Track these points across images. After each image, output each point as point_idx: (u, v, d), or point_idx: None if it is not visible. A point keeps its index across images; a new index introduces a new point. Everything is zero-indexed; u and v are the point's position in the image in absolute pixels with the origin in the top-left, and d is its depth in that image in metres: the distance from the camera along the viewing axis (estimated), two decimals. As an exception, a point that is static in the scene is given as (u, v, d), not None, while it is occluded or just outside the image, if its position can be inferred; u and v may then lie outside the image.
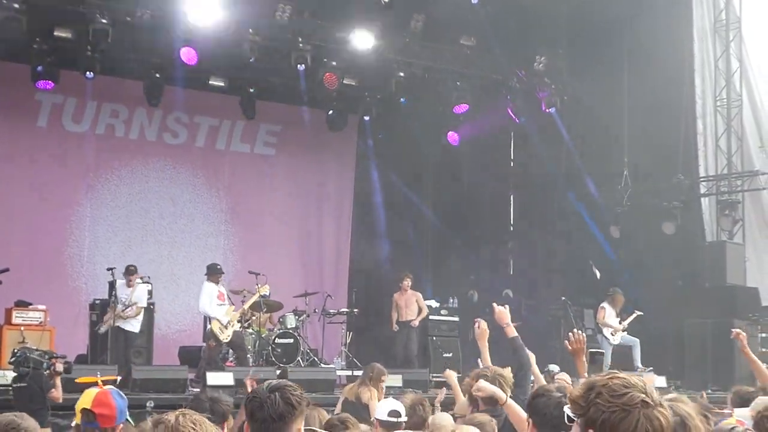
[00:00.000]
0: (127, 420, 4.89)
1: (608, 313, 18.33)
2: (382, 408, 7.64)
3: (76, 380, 5.10)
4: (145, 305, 16.69)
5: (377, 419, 7.53)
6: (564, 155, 22.02)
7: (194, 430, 2.87)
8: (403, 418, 7.40)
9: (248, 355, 17.13)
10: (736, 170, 20.08)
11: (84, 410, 4.68)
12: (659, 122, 19.68)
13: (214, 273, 16.89)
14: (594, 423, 3.12)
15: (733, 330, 8.55)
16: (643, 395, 3.09)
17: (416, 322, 19.07)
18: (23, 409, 7.61)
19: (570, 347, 6.94)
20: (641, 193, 20.45)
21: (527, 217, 23.53)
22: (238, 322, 16.74)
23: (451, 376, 9.23)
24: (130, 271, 16.36)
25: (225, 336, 16.27)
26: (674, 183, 19.92)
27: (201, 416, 2.93)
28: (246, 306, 17.02)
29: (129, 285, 16.26)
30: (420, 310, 19.17)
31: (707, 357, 18.51)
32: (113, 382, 5.07)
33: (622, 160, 20.48)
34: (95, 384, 4.92)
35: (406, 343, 18.98)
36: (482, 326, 7.85)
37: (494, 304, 7.73)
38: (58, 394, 11.50)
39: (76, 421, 4.76)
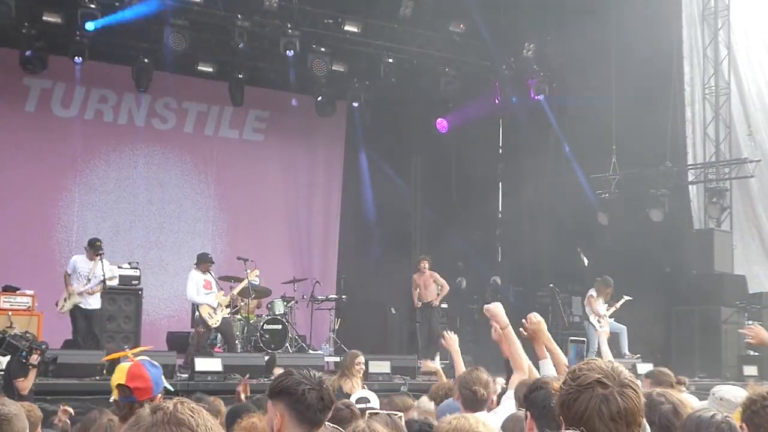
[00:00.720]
0: (165, 389, 4.93)
1: (596, 301, 18.37)
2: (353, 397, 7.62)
3: (103, 359, 5.13)
4: (106, 281, 15.77)
5: None
6: (552, 142, 22.04)
7: (192, 417, 2.87)
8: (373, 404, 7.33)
9: (237, 341, 17.13)
10: (724, 158, 20.12)
11: (120, 386, 4.74)
12: (647, 110, 19.70)
13: (203, 262, 16.62)
14: (560, 407, 3.15)
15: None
16: (600, 376, 3.09)
17: (436, 302, 18.90)
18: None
19: (525, 333, 6.98)
20: (629, 180, 20.48)
21: (516, 204, 23.54)
22: (227, 307, 16.69)
23: (454, 342, 9.14)
24: (96, 246, 15.68)
25: (214, 321, 16.21)
26: (662, 170, 19.95)
27: (198, 404, 2.94)
28: (235, 291, 16.97)
29: (91, 258, 15.62)
30: (441, 288, 19.00)
31: (695, 344, 18.60)
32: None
33: (611, 147, 20.49)
34: (126, 358, 4.96)
35: (429, 324, 18.83)
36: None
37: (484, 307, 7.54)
38: (25, 384, 11.22)
39: (114, 397, 4.81)
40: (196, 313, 16.34)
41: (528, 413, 4.91)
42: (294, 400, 4.16)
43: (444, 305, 20.05)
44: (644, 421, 3.18)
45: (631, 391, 3.09)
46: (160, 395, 4.80)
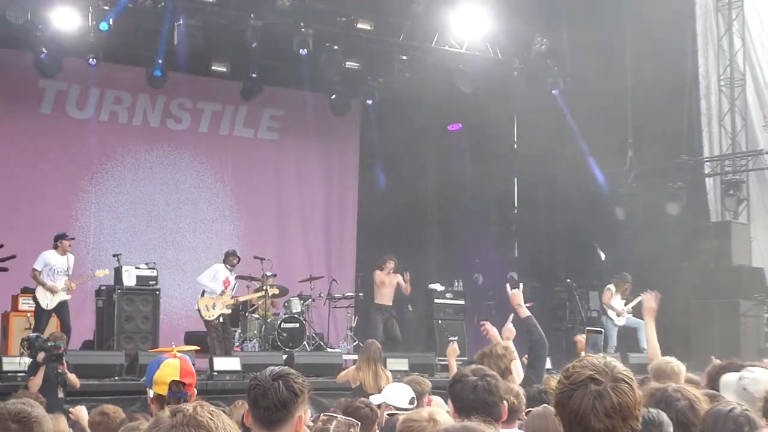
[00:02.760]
0: None
1: (613, 296, 18.37)
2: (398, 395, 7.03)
3: (150, 350, 5.21)
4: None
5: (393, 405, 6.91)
6: (567, 137, 21.98)
7: (212, 420, 2.90)
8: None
9: (249, 341, 17.26)
10: (740, 149, 20.03)
11: (173, 381, 4.77)
12: (663, 102, 19.64)
13: (230, 256, 17.12)
14: (555, 406, 3.15)
15: None
16: (593, 372, 3.09)
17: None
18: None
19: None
20: (646, 173, 20.42)
21: (532, 200, 23.51)
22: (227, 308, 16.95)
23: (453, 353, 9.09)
24: (67, 238, 15.96)
25: (208, 314, 16.51)
26: (678, 163, 19.90)
27: (216, 407, 2.96)
28: (243, 298, 17.27)
29: (62, 253, 15.80)
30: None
31: (714, 338, 18.50)
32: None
33: (626, 141, 20.44)
34: (169, 353, 4.98)
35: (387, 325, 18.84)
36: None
37: (507, 286, 7.63)
38: (35, 381, 11.51)
39: (157, 392, 4.81)
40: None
41: (452, 406, 4.93)
42: (248, 401, 4.15)
43: (460, 301, 20.06)
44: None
45: (625, 386, 3.08)
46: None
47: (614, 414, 3.05)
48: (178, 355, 4.92)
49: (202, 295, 16.86)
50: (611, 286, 18.43)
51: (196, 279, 17.27)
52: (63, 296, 15.65)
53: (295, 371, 4.20)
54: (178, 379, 4.76)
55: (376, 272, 18.97)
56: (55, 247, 15.79)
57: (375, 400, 6.96)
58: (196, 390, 4.90)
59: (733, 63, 20.26)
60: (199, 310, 16.62)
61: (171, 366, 4.82)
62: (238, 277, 17.69)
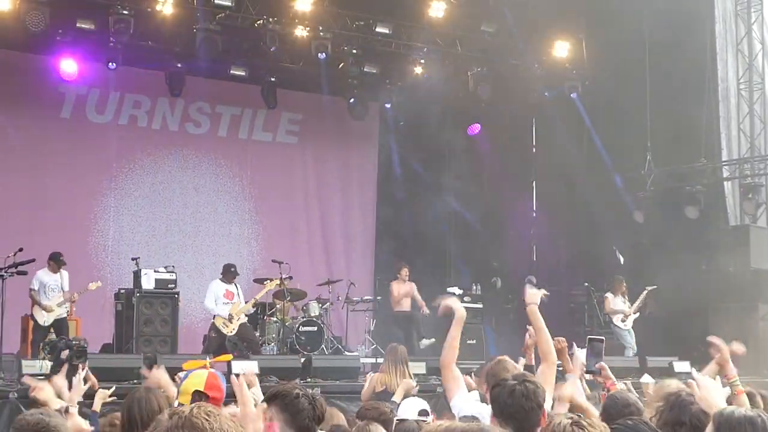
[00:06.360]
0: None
1: (612, 301, 18.44)
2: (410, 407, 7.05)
3: (183, 364, 5.19)
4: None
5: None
6: (586, 140, 21.94)
7: (207, 421, 2.93)
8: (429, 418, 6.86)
9: (273, 344, 17.29)
10: (759, 153, 19.98)
11: (196, 392, 4.85)
12: (681, 106, 19.60)
13: (226, 273, 17.32)
14: None
15: None
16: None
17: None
18: None
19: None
20: (664, 177, 20.39)
21: (550, 203, 23.48)
22: (247, 315, 17.07)
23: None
24: (59, 260, 16.30)
25: (229, 329, 16.83)
26: (697, 167, 19.86)
27: (216, 408, 2.99)
28: (258, 297, 17.36)
29: (55, 271, 16.18)
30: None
31: (732, 341, 18.39)
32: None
33: (645, 144, 20.41)
34: (203, 367, 5.03)
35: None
36: None
37: (527, 286, 7.50)
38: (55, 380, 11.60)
39: (180, 401, 4.87)
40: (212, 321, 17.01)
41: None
42: (286, 402, 4.28)
43: (478, 305, 20.08)
44: None
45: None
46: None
47: None
48: (210, 368, 4.97)
49: (215, 316, 17.05)
50: (608, 294, 18.55)
51: (204, 306, 17.42)
52: (60, 313, 16.12)
53: None
54: (201, 389, 4.80)
55: (392, 284, 19.07)
56: (49, 266, 16.18)
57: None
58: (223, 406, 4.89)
59: (752, 67, 20.21)
60: (219, 329, 16.83)
61: (197, 377, 4.89)
62: (255, 280, 17.83)
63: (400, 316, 19.06)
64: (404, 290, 19.08)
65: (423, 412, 6.89)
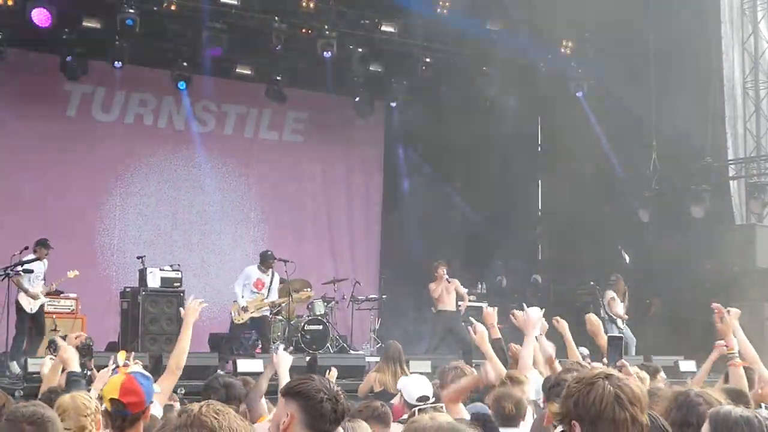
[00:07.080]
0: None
1: (615, 302, 18.45)
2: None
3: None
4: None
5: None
6: (591, 139, 21.91)
7: (216, 419, 2.94)
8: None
9: (272, 344, 17.32)
10: (765, 152, 19.93)
11: (112, 399, 4.65)
12: (687, 105, 19.55)
13: (263, 260, 17.43)
14: (574, 407, 3.29)
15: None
16: (601, 371, 3.40)
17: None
18: None
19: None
20: (670, 176, 20.36)
21: (555, 202, 23.45)
22: (258, 309, 17.15)
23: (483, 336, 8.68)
24: (48, 246, 16.24)
25: (239, 318, 17.03)
26: (703, 166, 19.81)
27: (225, 406, 3.00)
28: (269, 301, 17.37)
29: (40, 258, 16.07)
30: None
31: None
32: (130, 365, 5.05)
33: (650, 143, 20.38)
34: (125, 365, 4.93)
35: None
36: None
37: (484, 307, 7.73)
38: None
39: (106, 406, 4.72)
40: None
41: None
42: (310, 405, 4.11)
43: (484, 304, 19.91)
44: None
45: (633, 380, 3.47)
46: (149, 405, 4.75)
47: (636, 402, 3.31)
48: (126, 372, 4.81)
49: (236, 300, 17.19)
50: (613, 294, 18.48)
51: (233, 286, 17.57)
52: (42, 300, 16.13)
53: None
54: (117, 397, 4.63)
55: (430, 286, 18.49)
56: (35, 252, 16.09)
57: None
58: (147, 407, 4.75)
59: (758, 65, 20.16)
60: (231, 315, 17.02)
61: (112, 383, 4.70)
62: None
63: (443, 315, 18.49)
64: (444, 288, 18.49)
65: (422, 398, 6.81)
